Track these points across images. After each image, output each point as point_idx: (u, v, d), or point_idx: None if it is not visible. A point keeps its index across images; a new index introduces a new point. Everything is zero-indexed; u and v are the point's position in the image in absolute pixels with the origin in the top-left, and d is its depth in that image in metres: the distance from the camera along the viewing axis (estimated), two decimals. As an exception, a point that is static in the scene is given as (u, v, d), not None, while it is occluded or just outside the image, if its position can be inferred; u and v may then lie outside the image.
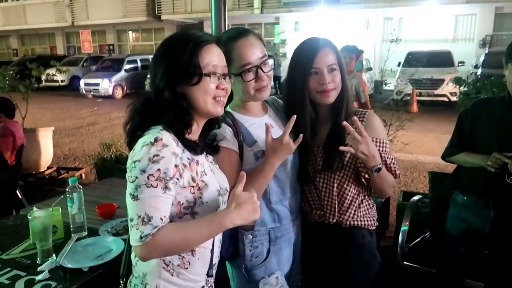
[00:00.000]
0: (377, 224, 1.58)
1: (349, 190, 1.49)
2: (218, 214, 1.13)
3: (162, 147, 1.05)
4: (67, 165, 5.94)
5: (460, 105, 3.85)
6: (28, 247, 1.75)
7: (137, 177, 1.04)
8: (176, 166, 1.08)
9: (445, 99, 10.62)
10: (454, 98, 10.07)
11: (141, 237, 1.02)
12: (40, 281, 1.50)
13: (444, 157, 2.11)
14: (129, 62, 15.67)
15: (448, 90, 10.53)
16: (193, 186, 1.13)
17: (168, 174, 1.05)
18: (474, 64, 11.85)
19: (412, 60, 11.31)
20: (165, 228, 1.05)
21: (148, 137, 1.07)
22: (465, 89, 3.97)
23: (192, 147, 1.16)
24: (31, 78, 5.94)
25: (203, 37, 1.16)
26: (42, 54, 20.78)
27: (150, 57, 16.33)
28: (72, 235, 1.85)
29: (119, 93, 14.77)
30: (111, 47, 21.90)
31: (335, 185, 1.49)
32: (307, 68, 1.45)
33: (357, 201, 1.51)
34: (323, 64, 1.44)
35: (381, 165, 1.38)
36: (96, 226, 1.95)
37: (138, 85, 14.90)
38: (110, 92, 14.51)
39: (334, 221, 1.50)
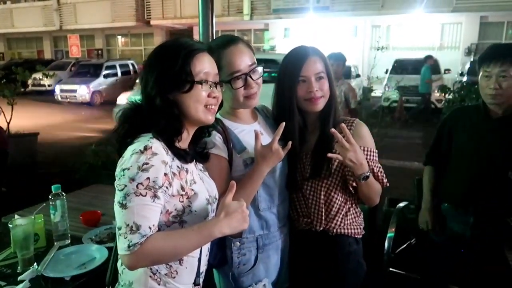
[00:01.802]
0: (364, 232, 1.59)
1: (336, 198, 1.49)
2: (207, 223, 1.13)
3: (151, 156, 1.05)
4: (53, 171, 5.85)
5: (445, 113, 3.92)
6: (9, 255, 1.71)
7: (126, 186, 1.03)
8: (165, 174, 1.07)
9: (431, 106, 10.76)
10: (440, 105, 10.23)
11: (129, 246, 1.01)
12: (20, 290, 1.47)
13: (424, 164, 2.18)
14: (108, 67, 14.90)
15: (435, 97, 10.67)
16: (182, 195, 1.13)
17: (157, 182, 1.05)
18: (460, 72, 12.05)
19: (399, 67, 11.48)
20: (154, 237, 1.04)
21: (138, 145, 1.07)
22: (450, 96, 4.04)
23: (182, 156, 1.16)
24: (16, 82, 5.87)
25: (195, 45, 1.17)
26: (29, 58, 20.54)
27: (130, 62, 15.83)
28: (55, 243, 1.81)
29: (97, 100, 14.03)
30: (99, 51, 21.74)
31: (322, 193, 1.49)
32: (295, 76, 1.45)
33: (344, 209, 1.51)
34: (311, 72, 1.44)
35: (368, 173, 1.39)
36: (79, 234, 1.92)
37: (118, 91, 14.42)
38: (88, 99, 13.80)
39: (321, 228, 1.50)
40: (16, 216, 1.81)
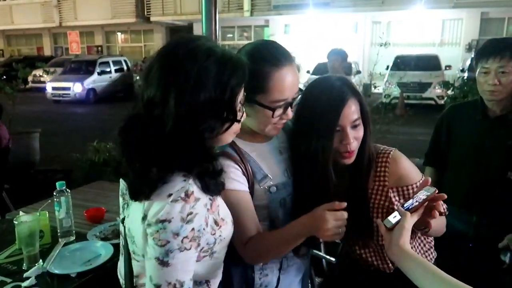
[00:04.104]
0: (435, 255, 1.44)
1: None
2: None
3: (195, 202, 0.91)
4: (55, 168, 5.84)
5: (448, 109, 3.91)
6: (14, 252, 1.71)
7: (168, 242, 0.89)
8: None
9: (432, 102, 10.76)
10: (441, 101, 10.23)
11: None
12: (26, 287, 1.47)
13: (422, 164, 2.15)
14: (102, 64, 14.43)
15: (435, 93, 10.69)
16: (215, 229, 1.01)
17: (201, 230, 0.94)
18: (461, 68, 12.04)
19: (400, 63, 11.47)
20: None
21: (175, 191, 0.90)
22: (452, 92, 4.03)
23: (216, 189, 1.01)
24: (17, 79, 5.86)
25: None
26: (29, 55, 20.51)
27: (123, 59, 15.47)
28: (60, 240, 1.81)
29: (92, 98, 13.60)
30: (99, 48, 21.70)
31: (378, 247, 1.31)
32: (330, 129, 1.18)
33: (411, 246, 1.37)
34: (346, 121, 1.18)
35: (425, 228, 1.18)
36: (84, 231, 1.92)
37: (112, 89, 14.17)
38: (84, 97, 13.35)
39: (393, 269, 1.34)
40: (21, 213, 1.81)
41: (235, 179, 1.14)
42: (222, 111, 0.95)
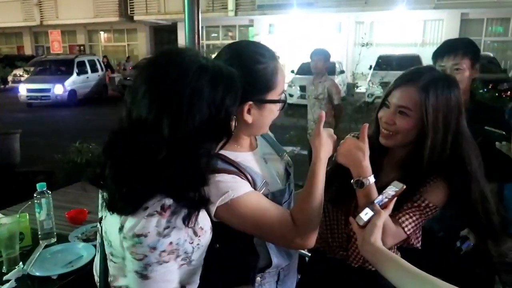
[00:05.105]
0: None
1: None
2: None
3: (171, 216, 0.90)
4: (36, 169, 5.74)
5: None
6: (-7, 255, 1.69)
7: (146, 256, 0.89)
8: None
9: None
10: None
11: None
12: (6, 290, 1.46)
13: None
14: (79, 64, 13.49)
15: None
16: (193, 239, 0.99)
17: (180, 243, 0.92)
18: (442, 68, 12.27)
19: (383, 63, 11.62)
20: None
21: (151, 202, 0.90)
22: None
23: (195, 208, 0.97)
24: (-4, 79, 5.75)
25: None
26: (9, 54, 20.06)
27: (96, 58, 14.97)
28: (40, 242, 1.79)
29: (74, 100, 12.82)
30: (82, 47, 21.39)
31: None
32: (384, 97, 1.28)
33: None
34: (394, 100, 1.23)
35: (366, 180, 1.15)
36: (65, 232, 1.90)
37: (91, 90, 13.75)
38: (65, 99, 12.43)
39: (357, 266, 1.37)
40: (0, 215, 1.79)
41: (244, 182, 1.10)
42: (219, 132, 0.96)
